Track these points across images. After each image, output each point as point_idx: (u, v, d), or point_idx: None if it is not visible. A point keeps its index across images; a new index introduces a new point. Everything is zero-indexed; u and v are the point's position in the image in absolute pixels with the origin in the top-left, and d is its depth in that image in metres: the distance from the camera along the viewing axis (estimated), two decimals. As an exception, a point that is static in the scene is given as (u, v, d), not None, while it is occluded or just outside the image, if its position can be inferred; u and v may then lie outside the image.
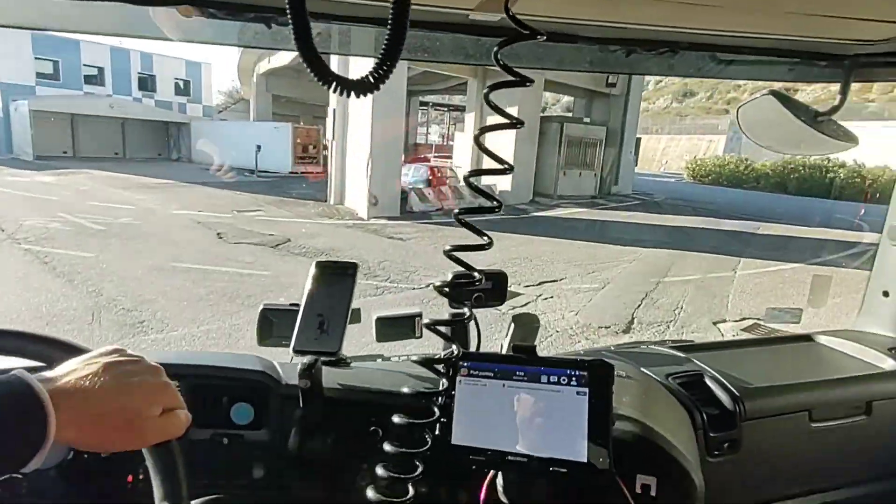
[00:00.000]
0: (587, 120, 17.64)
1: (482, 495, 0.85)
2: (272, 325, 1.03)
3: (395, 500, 0.79)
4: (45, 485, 0.83)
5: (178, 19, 0.77)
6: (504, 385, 0.81)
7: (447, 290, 0.91)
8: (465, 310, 0.95)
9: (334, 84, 0.41)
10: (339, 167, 13.25)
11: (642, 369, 1.22)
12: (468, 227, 0.85)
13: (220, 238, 8.78)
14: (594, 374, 0.79)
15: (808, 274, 7.90)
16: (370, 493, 0.80)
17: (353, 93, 0.42)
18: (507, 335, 1.13)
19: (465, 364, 0.83)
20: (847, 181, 23.19)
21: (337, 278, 0.94)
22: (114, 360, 0.51)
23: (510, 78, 0.78)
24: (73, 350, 0.57)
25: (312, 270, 0.96)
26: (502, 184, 15.06)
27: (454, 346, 0.87)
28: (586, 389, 0.78)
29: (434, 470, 0.81)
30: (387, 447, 0.82)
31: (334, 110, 13.06)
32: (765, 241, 10.87)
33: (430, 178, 13.80)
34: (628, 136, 18.67)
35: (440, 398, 0.84)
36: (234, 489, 0.91)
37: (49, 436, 0.42)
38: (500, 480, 0.85)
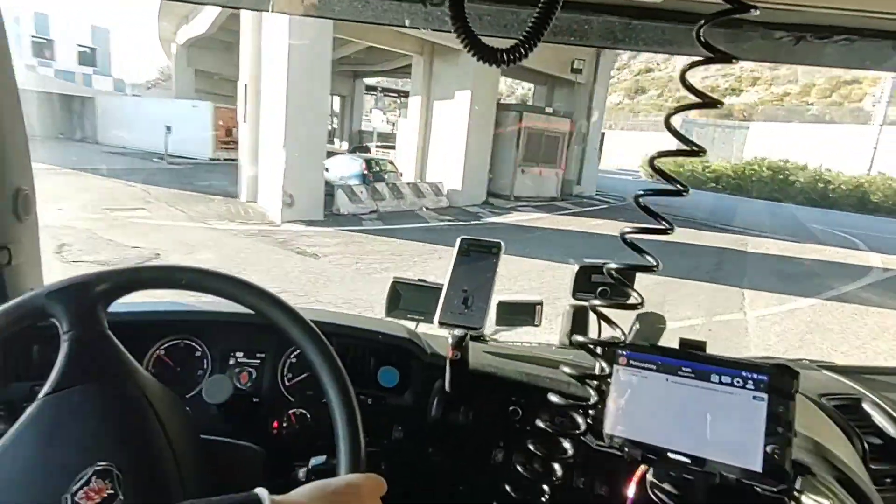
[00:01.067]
0: (549, 110, 15.66)
1: (632, 491, 0.80)
2: (400, 297, 1.11)
3: (543, 480, 0.84)
4: (206, 417, 0.88)
5: None
6: (668, 379, 0.78)
7: (615, 274, 0.86)
8: (635, 294, 0.85)
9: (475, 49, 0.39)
10: (251, 157, 10.77)
11: None
12: (647, 211, 0.79)
13: (58, 253, 6.30)
14: (777, 379, 0.73)
15: (832, 315, 6.31)
16: (519, 468, 0.87)
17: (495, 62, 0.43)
18: (629, 334, 1.11)
19: (624, 353, 0.81)
20: (807, 185, 22.62)
21: (482, 256, 0.94)
22: None
23: (705, 57, 0.68)
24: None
25: (457, 246, 0.96)
26: (451, 181, 12.95)
27: (619, 331, 0.86)
28: (765, 395, 0.73)
29: (581, 456, 0.85)
30: (539, 424, 0.87)
31: (245, 86, 10.56)
32: (761, 265, 9.31)
33: (365, 172, 11.50)
34: (594, 129, 16.85)
35: (599, 383, 0.83)
36: (372, 448, 0.80)
37: None
38: (650, 476, 0.81)
